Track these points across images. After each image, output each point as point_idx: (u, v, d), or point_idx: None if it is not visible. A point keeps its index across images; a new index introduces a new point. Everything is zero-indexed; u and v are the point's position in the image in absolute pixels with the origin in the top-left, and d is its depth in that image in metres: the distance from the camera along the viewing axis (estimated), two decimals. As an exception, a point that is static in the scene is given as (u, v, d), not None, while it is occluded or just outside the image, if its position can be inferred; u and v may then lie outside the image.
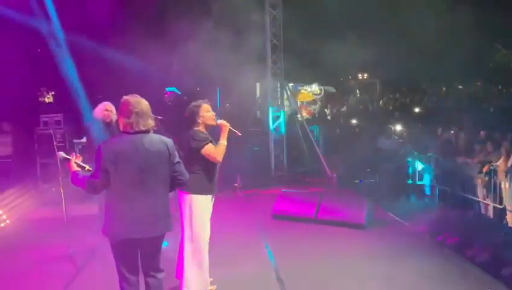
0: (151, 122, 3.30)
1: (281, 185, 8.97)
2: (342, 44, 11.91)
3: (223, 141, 4.15)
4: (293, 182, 9.27)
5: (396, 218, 6.94)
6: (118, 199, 3.22)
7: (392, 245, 5.70)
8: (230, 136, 4.28)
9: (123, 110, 3.28)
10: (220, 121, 4.24)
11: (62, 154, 3.76)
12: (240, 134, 4.37)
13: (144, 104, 3.29)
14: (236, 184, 8.76)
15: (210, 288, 4.34)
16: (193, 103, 4.33)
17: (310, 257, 5.36)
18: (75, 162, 3.52)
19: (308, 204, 6.78)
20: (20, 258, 5.51)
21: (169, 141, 3.37)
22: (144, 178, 3.22)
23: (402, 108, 15.08)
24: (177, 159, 3.38)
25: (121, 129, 3.32)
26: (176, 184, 3.44)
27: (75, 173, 3.40)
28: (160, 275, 3.47)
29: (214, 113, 4.29)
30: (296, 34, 10.71)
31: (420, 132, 10.27)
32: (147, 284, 3.44)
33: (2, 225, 6.93)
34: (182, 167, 3.43)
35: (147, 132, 3.27)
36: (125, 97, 3.35)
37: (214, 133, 4.30)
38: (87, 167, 3.56)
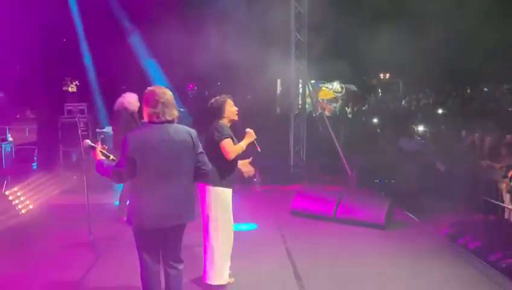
0: (175, 112, 3.35)
1: (299, 182, 8.93)
2: (367, 42, 11.77)
3: (243, 145, 4.26)
4: (312, 179, 9.21)
5: (417, 220, 6.83)
6: (143, 188, 3.25)
7: (412, 247, 5.61)
8: (251, 147, 4.35)
9: (149, 100, 3.31)
10: (248, 130, 4.33)
11: (88, 142, 3.81)
12: (259, 149, 4.44)
13: (169, 94, 3.35)
14: (255, 179, 8.73)
15: (228, 280, 4.37)
16: (218, 97, 4.38)
17: (329, 255, 5.32)
18: (100, 151, 3.57)
19: (327, 202, 6.72)
20: (42, 244, 5.60)
21: (193, 131, 3.42)
22: (169, 168, 3.25)
23: (425, 109, 14.83)
24: (200, 149, 3.42)
25: (146, 119, 3.36)
26: (199, 174, 3.48)
27: (100, 162, 3.44)
28: (180, 266, 3.50)
29: (237, 109, 4.36)
30: (320, 30, 10.61)
31: (443, 133, 10.08)
32: (167, 274, 3.47)
33: (25, 211, 7.06)
34: (205, 157, 3.48)
35: (172, 121, 3.32)
36: (150, 88, 3.40)
37: (233, 130, 4.37)
38: (111, 157, 3.60)
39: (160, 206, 3.26)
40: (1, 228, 6.21)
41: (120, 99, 6.40)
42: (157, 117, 3.27)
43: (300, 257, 5.24)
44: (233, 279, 4.42)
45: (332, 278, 4.67)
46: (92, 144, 3.70)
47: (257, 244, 5.60)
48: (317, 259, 5.19)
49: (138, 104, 6.41)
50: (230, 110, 4.33)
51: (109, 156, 3.60)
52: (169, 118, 3.29)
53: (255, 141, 4.36)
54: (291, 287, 4.46)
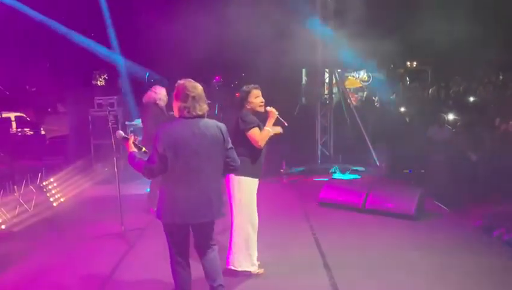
0: (206, 107, 3.33)
1: (327, 173, 8.88)
2: (394, 30, 11.52)
3: (268, 128, 4.19)
4: (339, 169, 9.13)
5: (448, 210, 6.68)
6: (175, 184, 3.26)
7: (444, 238, 5.50)
8: (277, 124, 4.29)
9: (179, 94, 3.29)
10: (268, 108, 4.25)
11: (121, 133, 3.85)
12: (286, 124, 4.37)
13: (199, 88, 3.31)
14: (282, 170, 8.74)
15: (258, 271, 4.39)
16: (243, 88, 4.35)
17: (357, 245, 5.28)
18: (133, 143, 3.59)
19: (356, 193, 6.64)
20: (75, 235, 5.78)
21: (223, 126, 3.40)
22: (200, 163, 3.25)
23: (455, 97, 14.42)
24: (230, 144, 3.41)
25: (177, 114, 3.35)
26: (228, 170, 3.49)
27: (132, 154, 3.48)
28: (215, 247, 3.57)
29: (263, 100, 4.29)
30: (347, 19, 10.44)
31: (475, 121, 9.79)
32: (203, 258, 3.53)
33: (59, 202, 7.27)
34: (234, 153, 3.46)
35: (202, 116, 3.30)
36: (180, 81, 3.36)
37: (262, 119, 4.32)
38: (143, 149, 3.62)
39: (191, 202, 3.27)
40: (36, 219, 6.42)
41: (149, 93, 6.48)
42: (188, 112, 3.26)
43: (329, 247, 5.22)
44: (262, 270, 4.44)
45: (362, 268, 4.63)
46: (125, 136, 3.73)
47: (285, 234, 5.61)
48: (346, 249, 5.15)
49: (166, 98, 6.49)
50: (255, 101, 4.25)
51: (142, 148, 3.63)
52: (199, 113, 3.27)
53: (279, 117, 4.28)
54: (321, 277, 4.45)
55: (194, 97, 3.25)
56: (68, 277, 4.47)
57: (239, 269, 4.29)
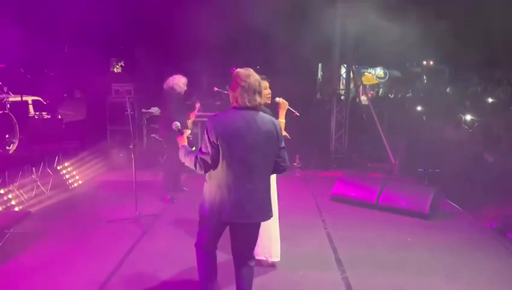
0: (257, 99, 3.08)
1: (340, 168, 8.86)
2: (413, 27, 11.37)
3: (282, 120, 4.17)
4: (353, 165, 9.12)
5: (462, 211, 6.64)
6: (224, 178, 3.05)
7: (457, 238, 5.47)
8: (289, 116, 4.29)
9: (231, 83, 3.11)
10: (278, 100, 4.24)
11: (178, 125, 3.59)
12: (297, 114, 4.35)
13: (252, 78, 3.07)
14: (295, 164, 8.73)
15: (273, 260, 4.45)
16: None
17: (370, 242, 5.28)
18: (187, 138, 3.45)
19: (370, 189, 6.63)
20: (90, 218, 5.86)
21: (277, 123, 3.20)
22: (254, 159, 3.05)
23: (473, 97, 14.24)
24: (283, 143, 3.20)
25: (231, 104, 3.17)
26: (277, 170, 3.23)
27: (184, 147, 3.35)
28: (252, 263, 3.39)
29: (270, 92, 4.22)
30: (365, 14, 10.35)
31: (492, 123, 9.68)
32: (238, 270, 3.36)
33: (75, 186, 7.38)
34: (285, 153, 3.23)
35: (253, 108, 3.08)
36: (236, 70, 3.15)
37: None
38: (193, 148, 3.38)
39: (240, 201, 3.07)
40: (53, 201, 6.54)
41: (170, 80, 6.51)
42: (237, 101, 3.06)
43: (341, 242, 5.24)
44: (278, 259, 4.48)
45: (373, 265, 4.64)
46: (180, 128, 3.54)
47: (297, 228, 5.62)
48: (358, 245, 5.16)
49: (185, 87, 6.52)
50: (263, 92, 4.22)
51: (192, 147, 3.39)
52: (248, 104, 3.05)
53: (290, 108, 4.25)
54: (333, 272, 4.47)
55: (243, 87, 3.03)
56: (81, 260, 4.55)
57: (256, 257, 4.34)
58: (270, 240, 4.40)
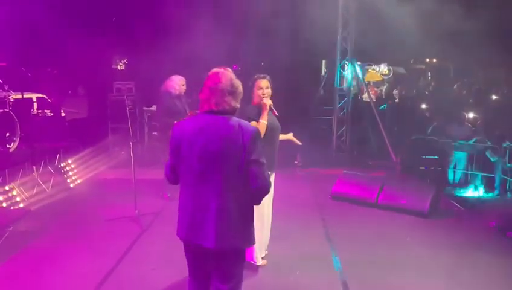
0: (229, 102, 2.64)
1: (341, 166, 8.81)
2: (417, 24, 11.28)
3: (263, 121, 4.06)
4: (354, 163, 9.06)
5: (463, 209, 6.60)
6: (181, 189, 2.73)
7: (457, 238, 5.44)
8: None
9: (203, 85, 2.74)
10: (264, 100, 4.15)
11: None
12: (276, 114, 4.25)
13: (223, 78, 2.66)
14: (296, 162, 8.71)
15: (262, 262, 4.45)
16: (254, 77, 4.32)
17: (368, 241, 5.27)
18: None
19: (370, 188, 6.61)
20: (89, 216, 5.89)
21: (249, 131, 2.60)
22: (205, 170, 2.59)
23: (477, 95, 14.13)
24: (254, 156, 2.56)
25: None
26: (250, 190, 2.60)
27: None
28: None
29: (264, 92, 4.18)
30: (369, 10, 10.27)
31: (496, 121, 9.59)
32: None
33: (76, 184, 7.41)
34: (259, 169, 2.58)
35: (221, 112, 2.63)
36: (213, 70, 2.77)
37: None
38: None
39: (192, 218, 2.65)
40: (53, 199, 6.57)
41: (167, 82, 6.49)
42: (202, 105, 2.67)
43: (340, 241, 5.23)
44: (265, 261, 4.51)
45: (372, 264, 4.62)
46: None
47: (297, 226, 5.62)
48: (357, 245, 5.15)
49: (184, 87, 6.50)
50: (256, 92, 4.18)
51: None
52: (214, 108, 2.62)
53: (272, 108, 4.18)
54: (330, 272, 4.46)
55: (211, 88, 2.64)
56: (80, 259, 4.57)
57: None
58: (263, 233, 4.38)
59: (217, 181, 2.58)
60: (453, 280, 4.34)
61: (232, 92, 2.67)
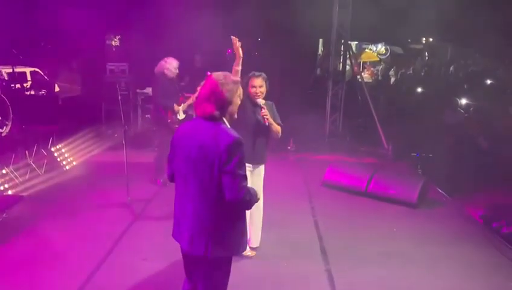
0: (206, 108, 2.64)
1: (334, 152, 8.88)
2: (414, 1, 11.13)
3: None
4: (346, 149, 9.12)
5: (450, 199, 6.71)
6: (175, 188, 2.83)
7: (442, 228, 5.56)
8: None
9: None
10: (259, 101, 4.20)
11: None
12: (267, 123, 4.19)
13: (207, 84, 2.68)
14: (289, 147, 8.74)
15: (249, 253, 4.55)
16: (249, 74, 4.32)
17: (356, 230, 5.38)
18: None
19: (360, 176, 6.69)
20: (81, 202, 5.91)
21: (227, 140, 2.56)
22: (187, 173, 2.67)
23: (473, 77, 14.09)
24: (230, 165, 2.53)
25: None
26: (225, 199, 2.57)
27: None
28: None
29: (257, 91, 4.21)
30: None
31: (489, 107, 9.63)
32: None
33: (69, 167, 7.43)
34: (233, 180, 2.54)
35: (206, 118, 2.65)
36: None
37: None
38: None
39: (177, 219, 2.80)
40: (47, 184, 6.56)
41: (161, 64, 6.47)
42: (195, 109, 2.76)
43: (328, 230, 5.34)
44: (254, 253, 4.62)
45: (356, 255, 4.75)
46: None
47: (287, 214, 5.71)
48: (344, 234, 5.26)
49: (177, 70, 6.48)
50: (250, 90, 4.23)
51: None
52: (197, 113, 2.70)
53: (264, 115, 4.16)
54: (316, 263, 4.58)
55: (199, 94, 2.75)
56: (71, 248, 4.63)
57: None
58: (253, 224, 4.52)
59: (194, 186, 2.63)
60: (435, 272, 4.47)
61: (208, 98, 2.64)
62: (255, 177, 4.42)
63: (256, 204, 4.37)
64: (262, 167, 4.51)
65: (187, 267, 2.89)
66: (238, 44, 4.00)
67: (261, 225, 4.67)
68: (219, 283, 2.76)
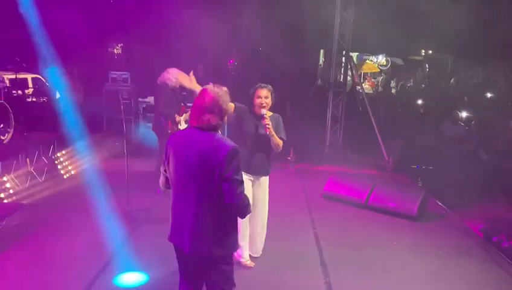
0: (207, 119, 2.78)
1: (334, 163, 8.88)
2: (415, 14, 11.20)
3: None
4: (347, 160, 9.12)
5: (450, 212, 6.70)
6: (171, 195, 2.94)
7: (443, 242, 5.55)
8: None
9: None
10: (263, 112, 4.23)
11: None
12: (267, 133, 4.23)
13: (206, 96, 2.81)
14: (289, 158, 8.75)
15: (248, 263, 4.55)
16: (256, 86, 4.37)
17: (355, 244, 5.36)
18: None
19: (361, 189, 6.68)
20: (81, 211, 5.82)
21: (226, 149, 2.72)
22: (185, 182, 2.82)
23: (473, 90, 14.14)
24: (228, 172, 2.70)
25: None
26: (226, 205, 2.76)
27: None
28: None
29: (262, 102, 4.27)
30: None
31: (490, 121, 9.65)
32: None
33: (68, 175, 7.42)
34: (233, 186, 2.72)
35: (203, 128, 2.80)
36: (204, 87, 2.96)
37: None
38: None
39: (176, 223, 2.91)
40: (47, 191, 6.57)
41: (163, 74, 6.53)
42: (191, 120, 2.88)
43: (328, 243, 5.32)
44: (253, 263, 4.60)
45: (357, 268, 4.73)
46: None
47: (286, 226, 5.69)
48: (344, 247, 5.25)
49: (179, 80, 6.52)
50: (256, 101, 4.29)
51: None
52: (195, 124, 2.82)
53: (266, 125, 4.20)
54: (316, 275, 4.56)
55: (195, 105, 2.86)
56: (70, 257, 4.62)
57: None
58: (254, 234, 4.52)
59: (194, 192, 2.78)
60: (436, 285, 4.46)
61: (212, 110, 2.80)
62: (257, 189, 4.43)
63: (261, 215, 4.41)
64: (265, 179, 4.51)
65: (187, 270, 2.99)
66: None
67: (264, 237, 4.68)
68: (225, 279, 2.94)
